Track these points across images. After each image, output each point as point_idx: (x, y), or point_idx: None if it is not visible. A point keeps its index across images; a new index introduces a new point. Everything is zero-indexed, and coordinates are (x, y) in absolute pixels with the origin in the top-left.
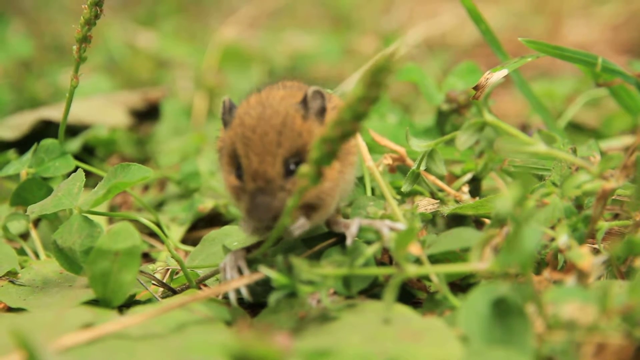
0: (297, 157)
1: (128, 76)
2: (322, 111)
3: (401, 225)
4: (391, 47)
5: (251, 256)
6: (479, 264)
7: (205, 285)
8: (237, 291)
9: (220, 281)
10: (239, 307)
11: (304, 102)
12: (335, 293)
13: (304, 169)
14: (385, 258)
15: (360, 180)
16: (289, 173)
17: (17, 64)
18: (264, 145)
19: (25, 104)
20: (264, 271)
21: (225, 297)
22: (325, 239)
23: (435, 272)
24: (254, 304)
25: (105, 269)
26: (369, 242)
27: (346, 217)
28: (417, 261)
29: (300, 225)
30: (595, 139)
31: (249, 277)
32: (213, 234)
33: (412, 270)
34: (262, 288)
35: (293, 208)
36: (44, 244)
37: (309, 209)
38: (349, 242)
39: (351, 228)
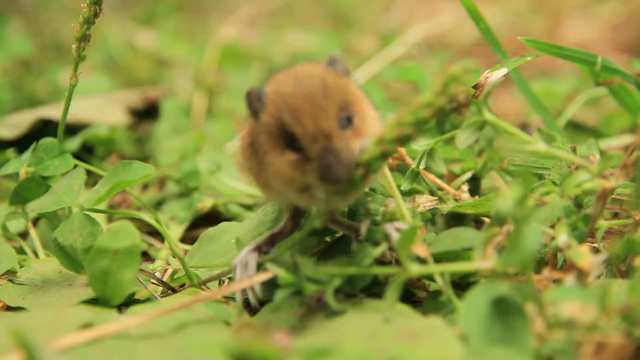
0: (345, 109)
1: (127, 75)
2: (346, 73)
3: (408, 227)
4: (465, 64)
5: (265, 259)
6: (482, 262)
7: (207, 287)
8: (244, 292)
9: (232, 280)
10: (240, 307)
11: (331, 63)
12: (337, 291)
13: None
14: (390, 255)
15: None
16: (344, 127)
17: (17, 62)
18: (313, 105)
19: (24, 103)
20: (272, 269)
21: (227, 296)
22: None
23: (440, 272)
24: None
25: (104, 268)
26: (375, 242)
27: (343, 215)
28: (419, 260)
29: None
30: (595, 138)
31: (257, 279)
32: (211, 231)
33: (416, 270)
34: (265, 287)
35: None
36: (43, 243)
37: None
38: (355, 243)
39: (361, 229)
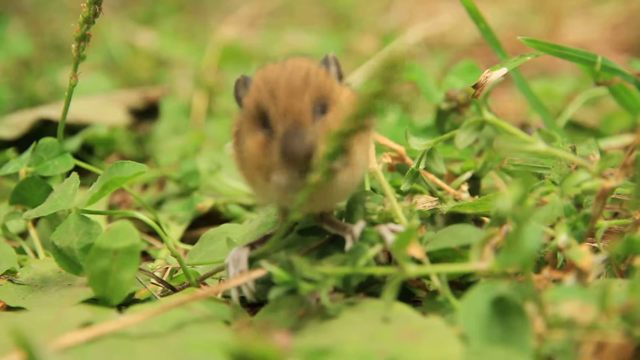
0: (322, 100)
1: (127, 75)
2: (339, 77)
3: (403, 228)
4: (399, 44)
5: (257, 252)
6: (479, 263)
7: (205, 284)
8: (239, 289)
9: (224, 278)
10: (239, 306)
11: (325, 63)
12: (335, 290)
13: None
14: (384, 256)
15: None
16: (316, 114)
17: (17, 62)
18: (291, 88)
19: (24, 103)
20: (266, 267)
21: (226, 295)
22: (324, 236)
23: (436, 272)
24: (253, 302)
25: (104, 268)
26: (370, 243)
27: (340, 216)
28: (417, 260)
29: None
30: (595, 137)
31: (251, 275)
32: (212, 231)
33: (413, 271)
34: (263, 286)
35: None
36: (43, 243)
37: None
38: (349, 244)
39: (354, 231)
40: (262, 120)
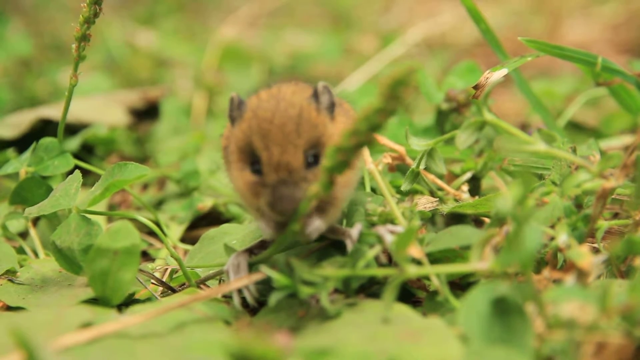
0: (315, 148)
1: (127, 75)
2: (331, 106)
3: (402, 229)
4: (409, 63)
5: (255, 259)
6: (479, 263)
7: (206, 286)
8: (240, 292)
9: (224, 283)
10: (239, 308)
11: (315, 95)
12: (335, 290)
13: (321, 174)
14: (384, 257)
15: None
16: (309, 165)
17: (17, 62)
18: (284, 135)
19: (24, 103)
20: (266, 272)
21: (227, 296)
22: (324, 239)
23: (436, 273)
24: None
25: (104, 268)
26: (370, 245)
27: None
28: (416, 260)
29: (316, 228)
30: (595, 138)
31: (251, 279)
32: (212, 232)
33: (413, 271)
34: (263, 287)
35: (307, 209)
36: (43, 243)
37: (320, 211)
38: (349, 248)
39: (353, 234)
40: (252, 159)
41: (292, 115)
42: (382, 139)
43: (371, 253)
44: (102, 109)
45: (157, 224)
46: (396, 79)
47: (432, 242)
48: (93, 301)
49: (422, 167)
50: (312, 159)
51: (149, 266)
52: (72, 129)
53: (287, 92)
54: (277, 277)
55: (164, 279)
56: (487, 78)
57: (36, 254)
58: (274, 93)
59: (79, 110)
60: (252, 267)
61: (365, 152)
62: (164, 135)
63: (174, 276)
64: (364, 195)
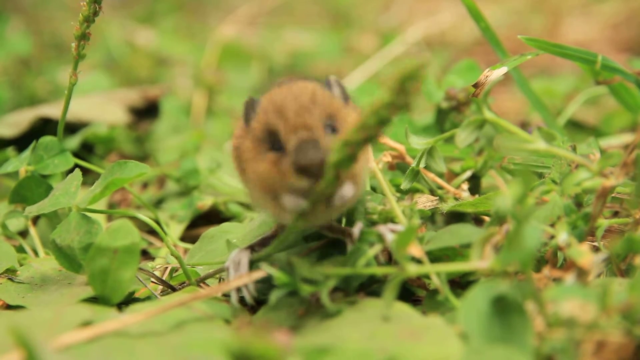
0: (331, 120)
1: (127, 74)
2: (343, 97)
3: (402, 228)
4: (420, 56)
5: (256, 256)
6: (479, 262)
7: (205, 284)
8: (239, 291)
9: (225, 280)
10: (237, 306)
11: (327, 85)
12: (336, 289)
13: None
14: (383, 255)
15: None
16: (326, 130)
17: (16, 61)
18: (300, 105)
19: (24, 102)
20: (267, 270)
21: (227, 295)
22: (324, 238)
23: (436, 272)
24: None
25: (104, 267)
26: (370, 243)
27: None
28: (417, 259)
29: (348, 192)
30: (595, 136)
31: (251, 277)
32: (212, 231)
33: (413, 270)
34: (263, 286)
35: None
36: (43, 242)
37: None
38: (349, 246)
39: (353, 234)
40: (271, 141)
41: (306, 91)
42: (382, 137)
43: (372, 252)
44: (101, 107)
45: (157, 222)
46: (406, 74)
47: (432, 241)
48: (93, 300)
49: (422, 165)
50: (330, 129)
51: (148, 265)
52: (72, 128)
53: (300, 83)
54: (278, 275)
55: (163, 278)
56: (487, 76)
57: (36, 253)
58: (285, 87)
59: (78, 109)
60: (252, 265)
61: (370, 152)
62: (164, 133)
63: (174, 275)
64: (364, 193)
